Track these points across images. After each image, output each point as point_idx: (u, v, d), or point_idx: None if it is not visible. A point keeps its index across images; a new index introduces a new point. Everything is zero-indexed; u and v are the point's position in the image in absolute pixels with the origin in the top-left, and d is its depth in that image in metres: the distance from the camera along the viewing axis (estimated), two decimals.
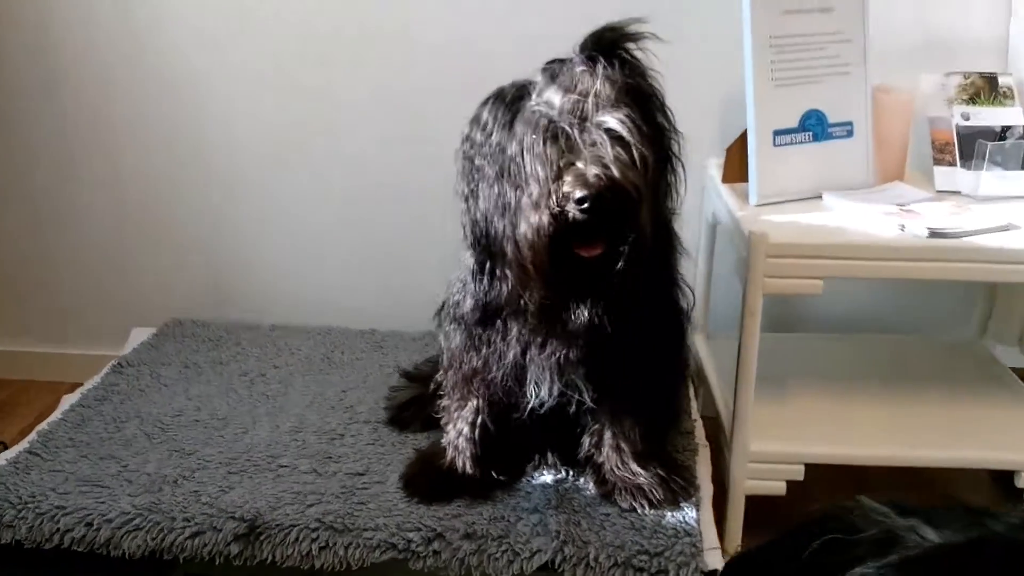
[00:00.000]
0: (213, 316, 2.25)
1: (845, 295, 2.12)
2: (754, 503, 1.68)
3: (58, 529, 1.46)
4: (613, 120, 1.26)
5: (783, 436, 1.69)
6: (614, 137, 1.26)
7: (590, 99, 1.27)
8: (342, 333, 2.16)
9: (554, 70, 1.32)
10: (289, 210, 2.25)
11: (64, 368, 2.33)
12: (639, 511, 1.49)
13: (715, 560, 1.42)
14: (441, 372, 1.58)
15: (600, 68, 1.29)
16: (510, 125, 1.32)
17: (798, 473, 1.65)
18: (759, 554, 1.03)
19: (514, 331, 1.42)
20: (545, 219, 1.26)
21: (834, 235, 1.57)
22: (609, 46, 1.32)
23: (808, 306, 2.14)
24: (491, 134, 1.34)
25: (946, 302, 2.13)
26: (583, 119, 1.27)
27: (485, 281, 1.40)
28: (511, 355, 1.43)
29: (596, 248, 1.29)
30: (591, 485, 1.55)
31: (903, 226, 1.58)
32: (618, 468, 1.53)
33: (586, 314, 1.35)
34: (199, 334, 2.15)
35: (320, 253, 2.27)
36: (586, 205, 1.24)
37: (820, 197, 1.75)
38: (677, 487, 1.53)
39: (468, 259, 1.42)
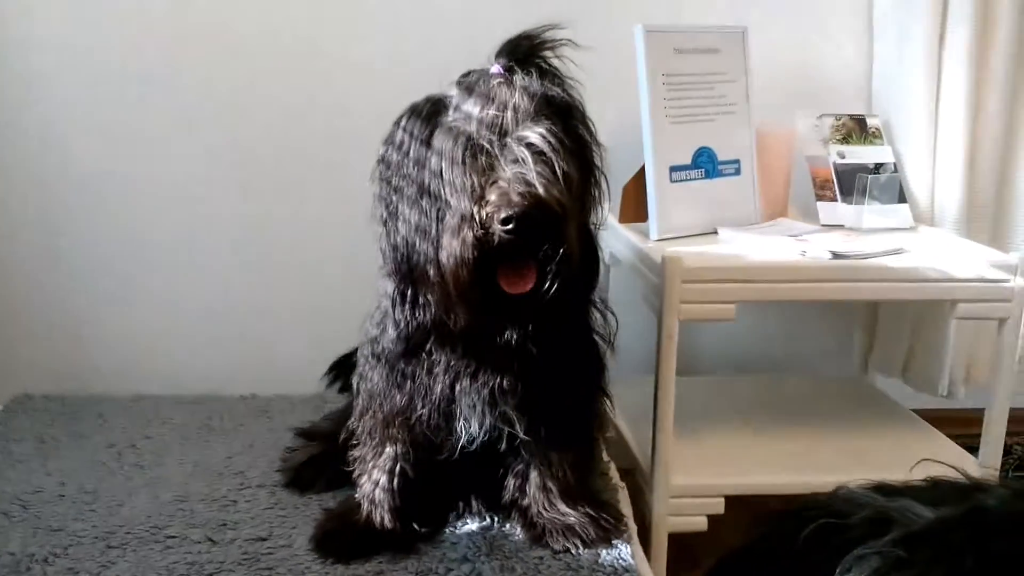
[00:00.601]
0: (65, 390, 2.02)
1: (736, 336, 2.15)
2: (673, 542, 1.64)
3: None
4: (534, 135, 1.22)
5: (701, 470, 1.66)
6: (536, 152, 1.22)
7: (508, 112, 1.22)
8: (218, 400, 1.98)
9: (470, 82, 1.27)
10: (145, 265, 2.07)
11: None
12: (573, 551, 1.41)
13: None
14: (354, 419, 1.46)
15: (518, 79, 1.26)
16: (427, 143, 1.26)
17: (719, 506, 1.62)
18: (748, 549, 0.98)
19: (441, 363, 1.34)
20: (469, 241, 1.20)
21: (743, 260, 1.59)
22: (526, 54, 1.28)
23: (700, 348, 2.16)
24: (408, 152, 1.27)
25: (829, 340, 2.20)
26: (503, 134, 1.22)
27: (407, 309, 1.31)
28: (438, 389, 1.34)
29: (526, 283, 1.23)
30: (519, 530, 1.46)
31: (804, 252, 1.62)
32: (546, 509, 1.45)
33: (515, 336, 1.29)
34: (52, 408, 1.92)
35: (187, 317, 2.10)
36: (511, 226, 1.19)
37: (715, 232, 1.78)
38: (608, 524, 1.46)
39: (388, 288, 1.33)
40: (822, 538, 0.92)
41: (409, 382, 1.35)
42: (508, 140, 1.22)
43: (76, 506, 1.53)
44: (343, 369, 1.80)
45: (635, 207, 1.81)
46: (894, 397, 2.02)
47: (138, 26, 1.96)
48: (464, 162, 1.21)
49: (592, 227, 1.35)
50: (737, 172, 1.83)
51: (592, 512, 1.46)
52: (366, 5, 1.99)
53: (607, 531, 1.45)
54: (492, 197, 1.20)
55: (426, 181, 1.25)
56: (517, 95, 1.23)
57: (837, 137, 1.92)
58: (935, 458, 1.00)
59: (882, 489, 0.99)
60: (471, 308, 1.25)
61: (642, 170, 1.76)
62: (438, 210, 1.24)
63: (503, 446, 1.39)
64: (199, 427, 1.86)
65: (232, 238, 2.08)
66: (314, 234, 2.07)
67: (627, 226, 1.82)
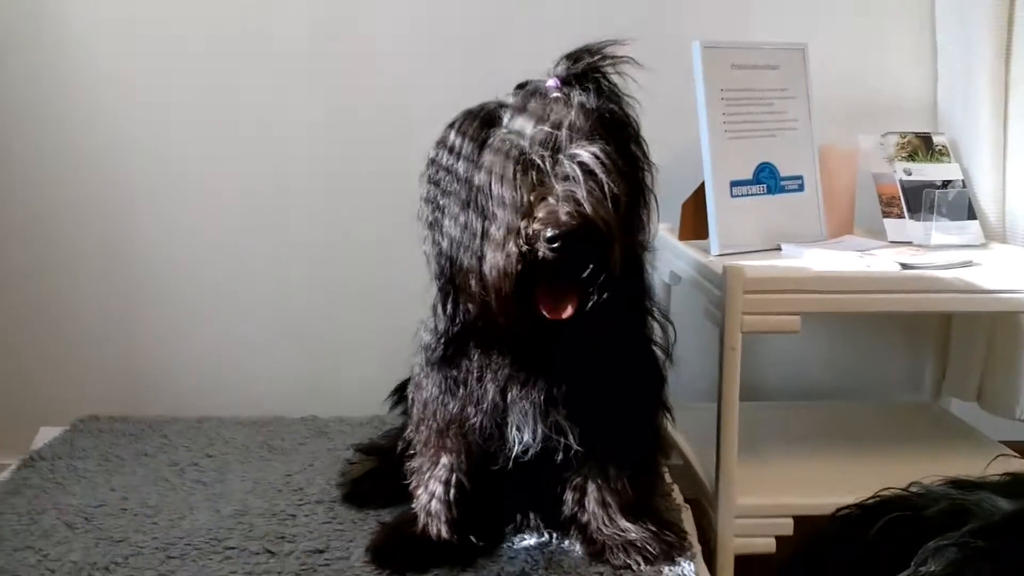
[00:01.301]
0: (131, 412, 2.05)
1: (803, 362, 2.11)
2: (741, 568, 1.59)
3: None
4: (587, 154, 1.20)
5: (767, 491, 1.61)
6: (587, 171, 1.20)
7: (563, 130, 1.21)
8: (279, 421, 2.00)
9: (527, 93, 1.27)
10: (210, 295, 2.11)
11: None
12: (634, 568, 1.37)
13: None
14: (411, 429, 1.45)
15: (575, 95, 1.25)
16: (479, 151, 1.25)
17: (787, 527, 1.56)
18: (822, 542, 0.94)
19: (491, 370, 1.32)
20: (513, 255, 1.19)
21: (808, 270, 1.55)
22: (585, 69, 1.28)
23: (765, 374, 2.11)
24: (458, 159, 1.27)
25: (900, 365, 2.13)
26: (556, 151, 1.21)
27: (449, 313, 1.30)
28: (489, 396, 1.32)
29: (564, 310, 1.21)
30: (578, 546, 1.43)
31: (869, 265, 1.58)
32: (606, 525, 1.41)
33: (563, 346, 1.27)
34: (117, 428, 1.95)
35: (250, 341, 2.13)
36: (557, 244, 1.17)
37: (778, 248, 1.74)
38: (671, 541, 1.41)
39: (432, 291, 1.33)
40: (895, 531, 0.89)
41: (461, 389, 1.33)
42: (561, 156, 1.21)
43: (138, 519, 1.54)
44: (405, 392, 1.79)
45: (695, 224, 1.79)
46: (971, 424, 1.95)
47: (207, 42, 2.03)
48: (514, 176, 1.20)
49: (640, 247, 1.32)
50: (800, 188, 1.81)
51: (654, 528, 1.42)
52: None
53: (670, 547, 1.41)
54: (540, 214, 1.19)
55: (474, 190, 1.24)
56: (573, 113, 1.22)
57: (902, 155, 1.88)
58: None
59: (958, 484, 0.96)
60: (510, 322, 1.23)
61: (702, 187, 1.74)
62: (484, 220, 1.23)
63: (559, 458, 1.37)
64: (260, 446, 1.87)
65: (296, 265, 2.11)
66: (377, 257, 2.09)
67: (687, 243, 1.80)
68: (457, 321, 1.30)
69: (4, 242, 2.08)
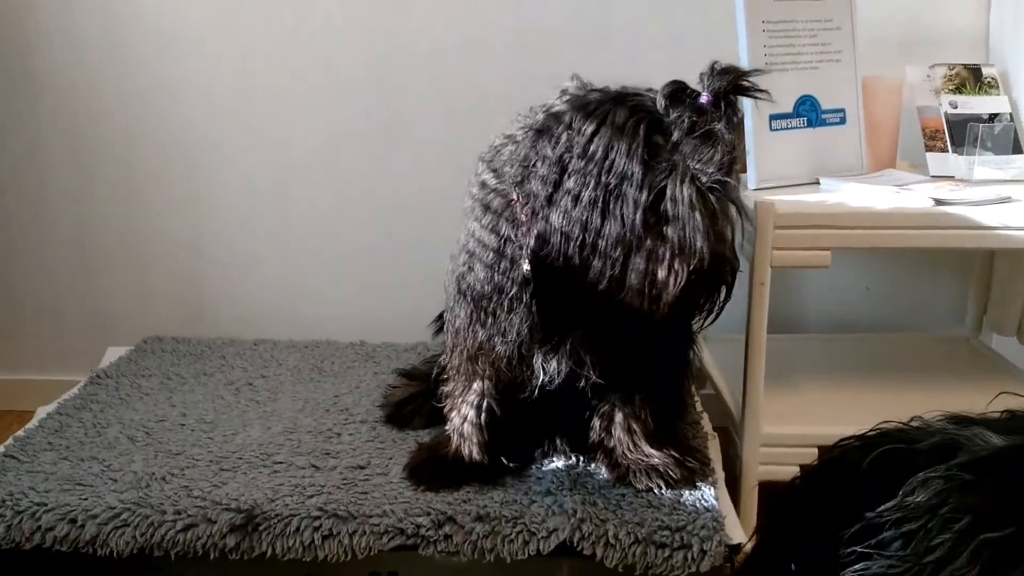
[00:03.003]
0: (192, 334, 2.17)
1: (839, 294, 2.11)
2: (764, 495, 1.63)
3: (39, 527, 1.36)
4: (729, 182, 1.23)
5: (793, 420, 1.65)
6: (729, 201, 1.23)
7: (722, 156, 1.20)
8: (330, 345, 2.10)
9: (690, 112, 1.22)
10: (271, 225, 2.20)
11: (31, 396, 2.20)
12: (656, 491, 1.43)
13: (739, 534, 1.37)
14: (445, 354, 1.52)
15: (729, 120, 1.24)
16: (643, 163, 1.19)
17: (810, 457, 1.60)
18: (817, 472, 0.99)
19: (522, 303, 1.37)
20: (683, 277, 1.20)
21: (839, 206, 1.56)
22: (733, 91, 1.24)
23: (803, 307, 2.13)
24: (614, 152, 1.20)
25: (942, 299, 2.13)
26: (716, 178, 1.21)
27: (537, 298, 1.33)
28: (515, 328, 1.38)
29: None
30: (603, 469, 1.49)
31: (901, 200, 1.58)
32: (631, 451, 1.47)
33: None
34: (179, 349, 2.06)
35: (304, 267, 2.22)
36: (693, 278, 1.21)
37: (817, 182, 1.75)
38: (693, 467, 1.47)
39: (486, 238, 1.36)
40: (889, 463, 0.93)
41: (490, 319, 1.39)
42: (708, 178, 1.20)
43: (195, 434, 1.65)
44: None
45: None
46: (1010, 359, 1.95)
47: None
48: (694, 203, 1.19)
49: None
50: (842, 121, 1.80)
51: (677, 455, 1.48)
52: None
53: (692, 473, 1.46)
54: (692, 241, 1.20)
55: (612, 189, 1.21)
56: (726, 139, 1.21)
57: (949, 87, 1.85)
58: None
59: (957, 419, 0.98)
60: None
61: (741, 119, 1.74)
62: (618, 224, 1.21)
63: (585, 387, 1.42)
64: (311, 369, 1.97)
65: (351, 206, 2.18)
66: (425, 202, 2.15)
67: None
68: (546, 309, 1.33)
69: (91, 177, 2.18)
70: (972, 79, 1.86)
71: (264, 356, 2.04)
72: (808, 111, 1.76)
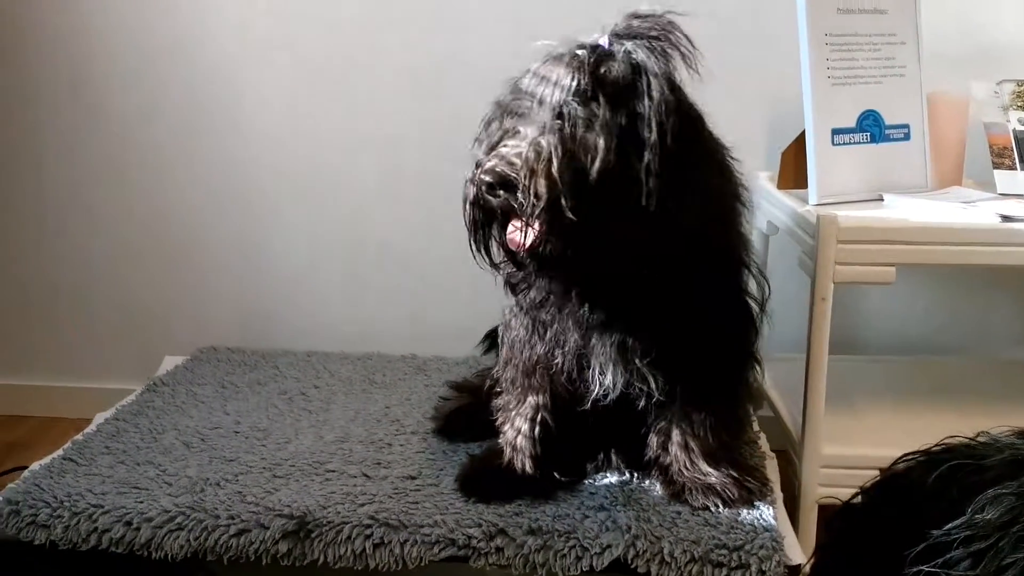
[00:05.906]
0: (247, 345, 2.19)
1: (903, 318, 2.07)
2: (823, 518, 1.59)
3: (96, 528, 1.37)
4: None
5: (854, 441, 1.61)
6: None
7: (554, 87, 1.22)
8: (382, 358, 2.10)
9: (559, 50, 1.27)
10: (325, 239, 2.22)
11: (88, 403, 2.23)
12: (712, 510, 1.40)
13: (798, 555, 1.33)
14: (498, 367, 1.52)
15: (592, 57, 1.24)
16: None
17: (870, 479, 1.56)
18: (881, 487, 0.95)
19: (571, 316, 1.36)
20: (472, 192, 1.26)
21: (903, 221, 1.52)
22: (632, 33, 1.26)
23: (861, 327, 2.08)
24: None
25: (1005, 320, 2.07)
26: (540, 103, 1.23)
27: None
28: (572, 340, 1.36)
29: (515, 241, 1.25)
30: (658, 486, 1.47)
31: (968, 216, 1.54)
32: (687, 468, 1.44)
33: (640, 294, 1.30)
34: (234, 359, 2.08)
35: (357, 282, 2.23)
36: (484, 188, 1.23)
37: (880, 199, 1.71)
38: (752, 486, 1.44)
39: None
40: (956, 478, 0.89)
41: (548, 331, 1.38)
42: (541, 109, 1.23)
43: (248, 441, 1.66)
44: (496, 337, 1.85)
45: (795, 173, 1.77)
46: None
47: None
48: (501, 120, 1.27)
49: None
50: (906, 137, 1.76)
51: (735, 474, 1.45)
52: None
53: (750, 492, 1.43)
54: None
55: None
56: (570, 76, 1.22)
57: (1018, 103, 1.80)
58: None
59: None
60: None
61: (803, 135, 1.71)
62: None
63: (641, 403, 1.40)
64: (363, 380, 1.98)
65: (406, 220, 2.19)
66: None
67: (786, 192, 1.79)
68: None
69: (147, 187, 2.23)
70: None
71: (316, 367, 2.04)
72: (871, 126, 1.73)
